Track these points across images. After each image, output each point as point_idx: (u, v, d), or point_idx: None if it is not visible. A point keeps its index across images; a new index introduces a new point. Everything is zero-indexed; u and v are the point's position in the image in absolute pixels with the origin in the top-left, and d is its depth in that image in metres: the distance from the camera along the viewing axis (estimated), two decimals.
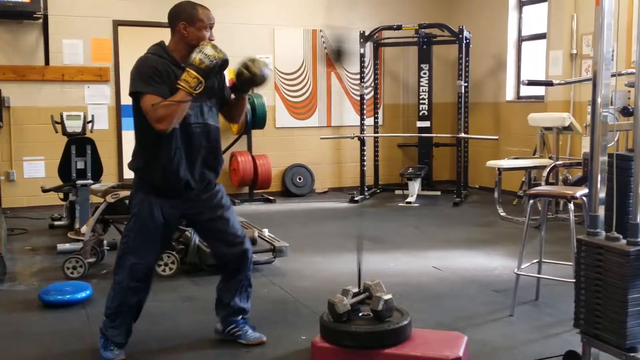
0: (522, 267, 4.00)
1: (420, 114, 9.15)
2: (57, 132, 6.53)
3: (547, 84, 7.36)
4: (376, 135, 9.18)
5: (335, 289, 3.39)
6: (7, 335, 3.75)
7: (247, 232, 5.12)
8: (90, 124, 6.77)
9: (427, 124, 9.09)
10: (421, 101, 9.14)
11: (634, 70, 3.87)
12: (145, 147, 3.21)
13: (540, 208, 4.43)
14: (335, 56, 3.28)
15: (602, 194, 2.89)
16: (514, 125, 8.60)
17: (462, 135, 8.54)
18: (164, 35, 3.30)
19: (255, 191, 8.55)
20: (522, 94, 8.89)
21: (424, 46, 9.03)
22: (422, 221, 7.13)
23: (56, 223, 6.66)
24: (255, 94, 8.31)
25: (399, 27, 8.48)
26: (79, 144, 6.05)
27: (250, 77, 3.21)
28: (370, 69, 9.21)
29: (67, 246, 5.53)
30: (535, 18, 8.62)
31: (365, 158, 8.75)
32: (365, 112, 8.77)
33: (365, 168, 8.76)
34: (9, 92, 7.57)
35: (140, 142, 3.25)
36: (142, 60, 3.14)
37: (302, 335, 3.61)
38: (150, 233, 3.23)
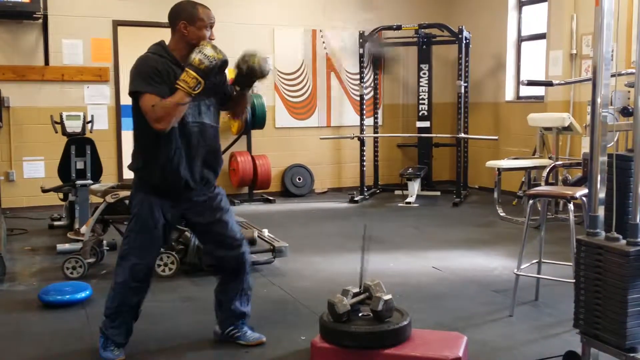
0: (522, 267, 4.00)
1: (420, 114, 9.16)
2: (56, 132, 6.53)
3: (547, 84, 7.36)
4: (376, 135, 9.18)
5: (335, 289, 3.38)
6: (7, 335, 3.75)
7: (246, 233, 5.16)
8: (89, 124, 6.77)
9: (426, 124, 9.09)
10: (421, 101, 9.14)
11: (633, 71, 3.87)
12: (145, 147, 3.21)
13: (539, 208, 4.43)
14: (379, 62, 3.27)
15: (601, 194, 2.89)
16: (514, 125, 8.60)
17: (462, 135, 8.54)
18: (164, 36, 3.30)
19: (254, 191, 8.55)
20: (521, 94, 8.89)
21: (424, 46, 9.03)
22: (422, 221, 7.13)
23: (56, 223, 6.66)
24: (255, 94, 8.31)
25: (398, 27, 8.49)
26: (79, 144, 6.04)
27: (249, 72, 3.21)
28: (369, 69, 9.21)
29: (66, 246, 5.53)
30: (535, 18, 8.62)
31: (364, 158, 8.75)
32: (364, 112, 8.77)
33: (364, 168, 8.76)
34: (8, 92, 7.57)
35: (139, 141, 3.25)
36: (142, 60, 3.14)
37: (301, 335, 3.61)
38: (151, 233, 3.23)
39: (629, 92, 6.14)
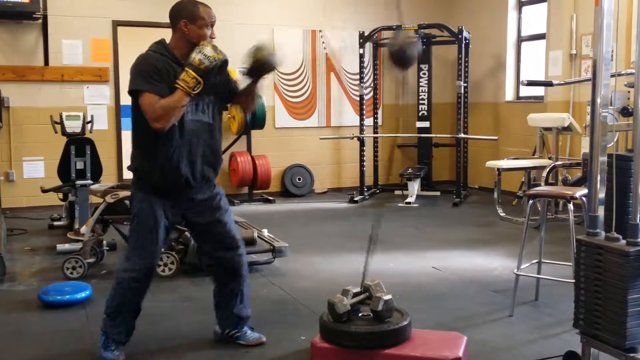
0: (522, 267, 4.00)
1: (420, 114, 9.16)
2: (56, 132, 6.53)
3: (547, 84, 7.37)
4: (375, 135, 9.18)
5: (335, 289, 3.38)
6: (7, 335, 3.75)
7: (246, 233, 5.16)
8: (89, 124, 6.78)
9: (426, 124, 9.09)
10: (420, 101, 9.14)
11: (633, 71, 3.87)
12: (144, 146, 3.21)
13: (539, 208, 4.43)
14: (398, 61, 3.25)
15: (601, 195, 2.89)
16: (514, 125, 8.60)
17: (462, 135, 8.54)
18: (164, 36, 3.30)
19: (254, 191, 8.55)
20: (521, 94, 8.89)
21: (424, 46, 9.02)
22: (422, 221, 7.13)
23: (56, 223, 6.66)
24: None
25: (398, 28, 8.48)
26: (79, 144, 6.04)
27: (258, 65, 3.20)
28: (369, 70, 9.22)
29: (66, 246, 5.53)
30: (535, 18, 8.62)
31: (364, 158, 8.75)
32: (364, 112, 8.78)
33: (364, 168, 8.76)
34: (8, 92, 7.57)
35: (138, 141, 3.24)
36: (142, 58, 3.14)
37: (301, 335, 3.61)
38: (152, 233, 3.22)
39: (628, 92, 6.14)
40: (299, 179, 8.99)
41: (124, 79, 7.74)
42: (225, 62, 3.17)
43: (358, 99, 8.86)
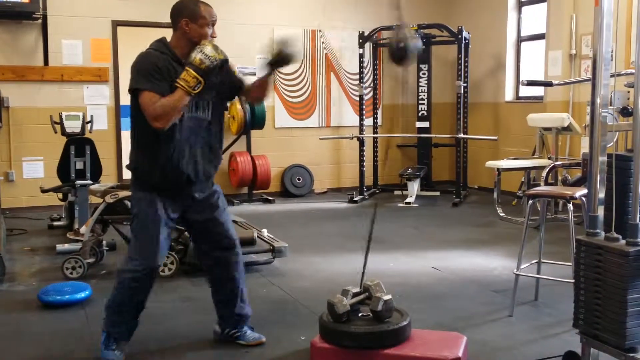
0: (522, 267, 4.00)
1: (420, 114, 9.15)
2: (56, 132, 6.53)
3: (547, 84, 7.37)
4: (375, 135, 9.18)
5: (335, 289, 3.38)
6: (7, 335, 3.75)
7: (246, 233, 5.16)
8: (89, 124, 6.78)
9: (426, 124, 9.09)
10: (420, 101, 9.14)
11: (633, 71, 3.87)
12: (144, 145, 3.19)
13: (539, 208, 4.43)
14: (397, 57, 3.32)
15: (601, 195, 2.89)
16: (513, 125, 8.60)
17: (462, 135, 8.54)
18: (163, 36, 3.30)
19: (254, 191, 8.55)
20: (521, 94, 8.89)
21: (423, 46, 9.00)
22: (422, 221, 7.13)
23: (55, 223, 6.66)
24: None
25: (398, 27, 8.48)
26: (78, 144, 6.04)
27: (279, 57, 3.25)
28: (369, 70, 9.22)
29: (66, 246, 5.53)
30: (535, 18, 8.63)
31: (364, 158, 8.75)
32: (364, 112, 8.77)
33: (364, 168, 8.76)
34: (8, 92, 7.57)
35: (138, 140, 3.23)
36: (142, 56, 3.14)
37: (301, 335, 3.61)
38: (153, 232, 3.19)
39: (628, 92, 6.15)
40: (299, 179, 8.99)
41: (124, 79, 7.74)
42: (225, 62, 3.17)
43: (358, 99, 8.86)
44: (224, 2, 7.94)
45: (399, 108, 9.73)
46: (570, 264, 3.67)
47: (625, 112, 6.09)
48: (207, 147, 3.27)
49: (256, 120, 8.19)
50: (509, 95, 8.95)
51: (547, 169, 6.53)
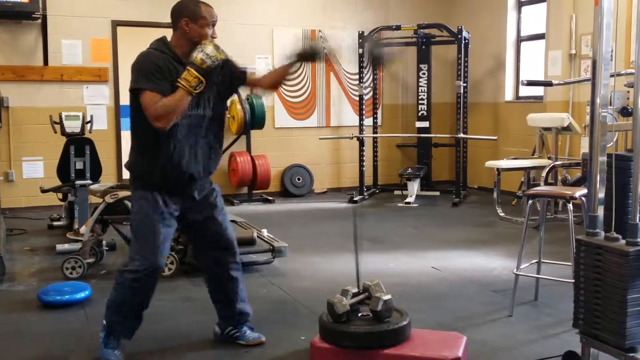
0: (521, 267, 4.00)
1: (419, 114, 9.16)
2: (56, 132, 6.53)
3: (546, 84, 7.37)
4: (375, 135, 9.18)
5: (335, 289, 3.39)
6: (7, 335, 3.75)
7: (245, 233, 5.16)
8: (89, 124, 6.77)
9: (426, 124, 9.09)
10: (420, 101, 9.14)
11: (633, 71, 3.87)
12: (144, 145, 3.18)
13: (539, 208, 4.43)
14: (377, 61, 3.42)
15: (601, 194, 2.89)
16: (513, 125, 8.60)
17: (461, 135, 8.54)
18: (164, 35, 3.30)
19: (254, 191, 8.55)
20: (521, 94, 8.89)
21: (423, 46, 9.03)
22: (421, 221, 7.13)
23: (55, 223, 6.66)
24: (254, 95, 8.31)
25: (397, 28, 8.49)
26: (78, 144, 6.04)
27: (308, 52, 3.39)
28: (369, 69, 9.21)
29: (66, 246, 5.52)
30: (534, 18, 8.63)
31: (364, 158, 8.75)
32: (364, 112, 8.77)
33: (364, 168, 8.76)
34: (7, 92, 7.57)
35: (138, 139, 3.22)
36: (143, 56, 3.14)
37: (301, 335, 3.61)
38: (153, 231, 3.16)
39: (628, 92, 6.15)
40: (299, 179, 8.99)
41: (124, 79, 7.75)
42: (226, 62, 3.17)
43: (357, 99, 8.86)
44: (224, 2, 7.94)
45: (398, 108, 9.73)
46: (570, 263, 3.67)
47: (625, 112, 6.09)
48: (207, 146, 3.26)
49: (256, 120, 8.19)
50: (508, 95, 8.95)
51: (547, 169, 6.53)
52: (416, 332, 3.19)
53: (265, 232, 5.47)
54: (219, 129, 3.34)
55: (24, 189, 7.66)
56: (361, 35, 8.67)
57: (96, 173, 6.09)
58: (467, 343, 3.17)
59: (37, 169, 7.70)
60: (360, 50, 8.62)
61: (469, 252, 5.64)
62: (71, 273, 4.81)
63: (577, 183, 6.63)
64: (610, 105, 5.76)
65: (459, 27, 8.33)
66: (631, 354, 2.66)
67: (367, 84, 9.08)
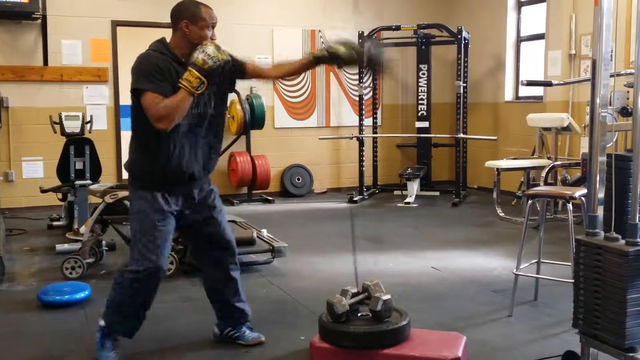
0: (521, 267, 4.00)
1: (419, 114, 9.15)
2: (55, 132, 6.53)
3: (546, 84, 7.37)
4: (375, 135, 9.18)
5: (334, 289, 3.39)
6: (7, 335, 3.75)
7: (245, 233, 5.16)
8: (88, 125, 6.77)
9: (425, 124, 9.09)
10: (420, 101, 9.14)
11: (632, 71, 3.87)
12: (145, 145, 3.17)
13: (539, 208, 4.43)
14: (375, 64, 3.35)
15: (600, 194, 2.89)
16: (513, 125, 8.61)
17: (461, 135, 8.54)
18: (163, 36, 3.29)
19: (253, 191, 8.55)
20: (520, 94, 8.89)
21: (423, 46, 9.03)
22: (421, 221, 7.13)
23: (55, 223, 6.66)
24: (254, 94, 8.32)
25: (397, 28, 8.49)
26: (78, 144, 6.04)
27: (349, 57, 3.25)
28: (367, 73, 9.20)
29: (65, 246, 5.52)
30: (534, 18, 8.63)
31: (364, 158, 8.75)
32: (364, 112, 8.77)
33: (364, 168, 8.76)
34: (7, 92, 7.57)
35: (139, 140, 3.21)
36: (143, 57, 3.13)
37: (300, 335, 3.61)
38: (154, 230, 3.15)
39: (628, 92, 6.16)
40: (298, 179, 8.99)
41: (123, 79, 7.76)
42: (227, 63, 3.16)
43: (357, 99, 8.86)
44: (224, 3, 7.95)
45: (398, 108, 9.74)
46: (569, 263, 3.67)
47: (624, 112, 6.10)
48: (207, 145, 3.26)
49: (256, 120, 8.19)
50: (508, 95, 8.95)
51: (547, 169, 6.53)
52: (416, 332, 3.19)
53: (264, 232, 5.47)
54: (219, 128, 3.34)
55: (24, 189, 7.66)
56: (361, 35, 8.67)
57: (96, 173, 6.10)
58: (466, 343, 3.17)
59: (36, 169, 7.71)
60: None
61: (469, 252, 5.64)
62: (71, 273, 4.81)
63: (577, 183, 6.63)
64: (610, 105, 5.76)
65: (459, 27, 8.33)
66: (631, 354, 2.66)
67: (366, 84, 9.08)
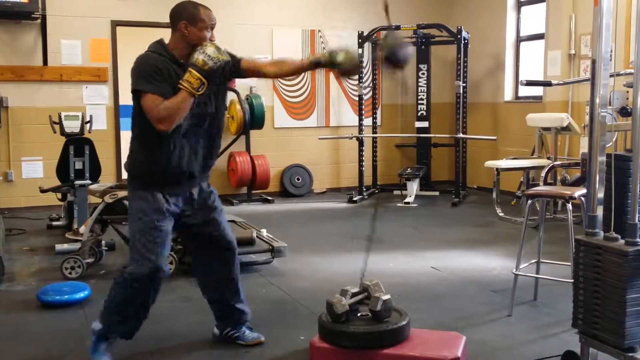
0: (521, 267, 4.01)
1: (419, 114, 9.16)
2: (55, 132, 6.52)
3: (546, 84, 7.37)
4: (374, 135, 9.19)
5: (334, 289, 3.39)
6: (6, 335, 3.75)
7: (245, 233, 5.16)
8: (88, 124, 6.77)
9: (425, 124, 9.10)
10: (420, 101, 9.15)
11: (632, 71, 3.87)
12: (145, 145, 3.17)
13: (538, 208, 4.44)
14: (392, 62, 3.27)
15: (600, 194, 2.89)
16: (513, 125, 8.61)
17: (461, 135, 8.54)
18: (162, 36, 3.29)
19: (253, 191, 8.55)
20: (520, 94, 8.89)
21: (423, 46, 9.03)
22: (421, 221, 7.13)
23: (54, 223, 6.66)
24: (254, 94, 8.31)
25: (397, 28, 8.48)
26: (77, 144, 6.04)
27: (349, 67, 3.19)
28: (368, 69, 9.22)
29: (65, 246, 5.53)
30: (534, 18, 8.63)
31: (363, 158, 8.75)
32: (363, 112, 8.77)
33: (363, 168, 8.76)
34: (7, 92, 7.57)
35: (139, 140, 3.20)
36: (142, 59, 3.13)
37: (300, 335, 3.61)
38: (153, 230, 3.14)
39: (627, 92, 6.16)
40: (298, 179, 8.99)
41: (123, 79, 7.75)
42: (227, 63, 3.16)
43: (357, 99, 8.86)
44: (223, 4, 7.95)
45: (398, 108, 9.74)
46: (569, 263, 3.67)
47: (624, 112, 6.10)
48: (207, 145, 3.26)
49: (255, 120, 8.19)
50: (508, 95, 8.96)
51: (546, 169, 6.53)
52: (415, 332, 3.20)
53: (264, 232, 5.47)
54: (219, 127, 3.34)
55: (23, 189, 7.66)
56: (361, 35, 8.68)
57: (95, 173, 6.09)
58: (466, 343, 3.18)
59: (36, 169, 7.70)
60: (360, 50, 8.63)
61: (469, 252, 5.64)
62: (70, 273, 4.81)
63: (577, 183, 6.63)
64: (610, 105, 5.76)
65: (459, 27, 8.33)
66: (630, 354, 2.66)
67: (366, 84, 9.08)
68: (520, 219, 6.22)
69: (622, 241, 2.72)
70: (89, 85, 7.93)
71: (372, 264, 5.06)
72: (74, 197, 6.00)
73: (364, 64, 8.87)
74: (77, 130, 6.37)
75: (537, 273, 4.24)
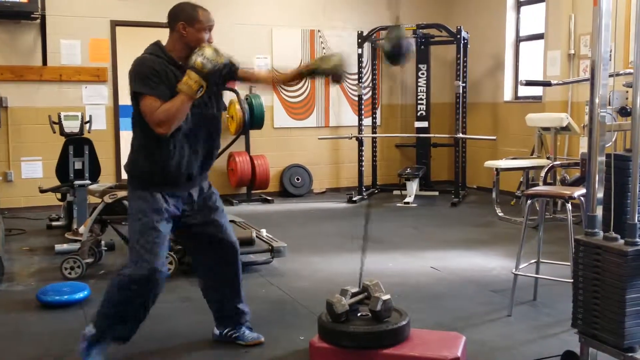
0: (520, 267, 4.01)
1: (418, 114, 9.16)
2: (54, 132, 6.52)
3: (545, 84, 7.38)
4: (374, 135, 9.19)
5: (334, 289, 3.39)
6: (6, 335, 3.75)
7: (244, 233, 5.16)
8: (88, 124, 6.77)
9: (425, 124, 9.10)
10: (419, 101, 9.15)
11: (631, 71, 3.87)
12: (145, 146, 3.16)
13: (538, 208, 4.44)
14: (393, 56, 3.27)
15: (599, 194, 2.89)
16: (512, 125, 8.61)
17: (460, 135, 8.54)
18: (162, 36, 3.28)
19: (253, 191, 8.55)
20: (520, 94, 8.90)
21: (422, 46, 9.03)
22: (420, 221, 7.13)
23: (54, 223, 6.65)
24: (254, 94, 8.31)
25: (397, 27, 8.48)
26: (77, 144, 6.04)
27: (330, 71, 3.22)
28: (368, 70, 9.22)
29: (64, 246, 5.52)
30: (533, 18, 8.63)
31: (363, 158, 8.75)
32: (363, 112, 8.77)
33: (363, 168, 8.76)
34: (6, 92, 7.57)
35: (139, 140, 3.20)
36: (139, 61, 3.12)
37: (300, 335, 3.61)
38: (153, 231, 3.13)
39: (627, 92, 6.16)
40: (298, 179, 8.99)
41: (123, 79, 7.71)
42: (226, 66, 3.15)
43: (356, 99, 8.86)
44: (223, 4, 7.95)
45: (397, 108, 9.74)
46: (568, 263, 3.68)
47: (623, 112, 6.10)
48: (206, 145, 3.26)
49: (255, 120, 8.19)
50: (507, 95, 8.96)
51: (546, 169, 6.54)
52: (415, 332, 3.20)
53: (264, 232, 5.47)
54: (219, 128, 3.34)
55: (23, 189, 7.65)
56: (360, 35, 8.68)
57: (95, 173, 6.09)
58: (466, 343, 3.18)
59: (36, 169, 7.70)
60: (360, 50, 8.64)
61: (468, 252, 5.64)
62: (70, 273, 4.81)
63: (576, 183, 6.64)
64: (609, 105, 5.77)
65: (458, 27, 8.33)
66: (630, 354, 2.66)
67: (366, 84, 9.08)
68: (519, 219, 6.23)
69: (621, 241, 2.72)
70: (88, 85, 7.93)
71: (372, 264, 5.07)
72: (73, 197, 6.00)
73: (364, 65, 8.86)
74: (76, 130, 6.37)
75: (537, 273, 4.24)
